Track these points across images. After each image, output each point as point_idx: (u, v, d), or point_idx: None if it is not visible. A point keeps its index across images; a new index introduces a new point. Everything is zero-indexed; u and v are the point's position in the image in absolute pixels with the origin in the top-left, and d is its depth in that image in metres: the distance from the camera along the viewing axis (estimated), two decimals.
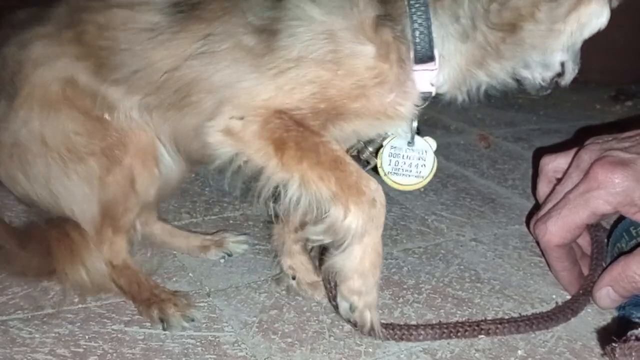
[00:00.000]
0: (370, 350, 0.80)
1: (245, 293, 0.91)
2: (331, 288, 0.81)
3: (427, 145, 0.80)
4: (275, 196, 0.75)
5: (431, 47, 0.71)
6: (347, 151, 0.80)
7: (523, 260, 1.05)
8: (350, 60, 0.70)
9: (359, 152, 0.81)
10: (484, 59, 0.73)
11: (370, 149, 0.81)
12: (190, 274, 0.95)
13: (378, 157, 0.80)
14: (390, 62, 0.71)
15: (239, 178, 0.75)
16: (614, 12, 0.77)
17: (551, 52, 0.75)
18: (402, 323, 0.84)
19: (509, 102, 1.89)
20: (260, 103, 0.70)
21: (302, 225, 0.82)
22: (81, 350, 0.77)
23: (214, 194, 1.22)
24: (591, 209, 0.85)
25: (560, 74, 0.78)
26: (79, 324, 0.82)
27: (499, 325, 0.83)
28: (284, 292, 0.91)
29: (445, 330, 0.82)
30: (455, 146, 1.57)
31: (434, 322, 0.86)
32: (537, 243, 0.93)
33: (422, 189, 1.30)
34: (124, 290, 0.86)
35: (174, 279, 0.94)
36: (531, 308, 0.92)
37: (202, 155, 0.81)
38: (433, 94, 0.75)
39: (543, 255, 0.96)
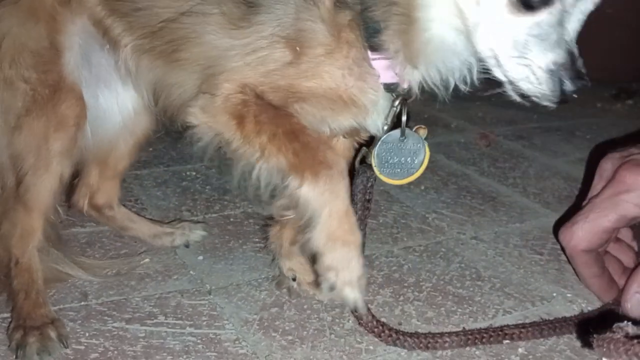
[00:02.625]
0: (371, 347, 0.80)
1: (246, 291, 0.91)
2: None
3: (418, 138, 0.79)
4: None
5: (380, 36, 0.70)
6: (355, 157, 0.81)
7: (524, 259, 1.05)
8: (306, 36, 0.71)
9: (364, 157, 0.80)
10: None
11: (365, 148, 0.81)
12: (192, 272, 0.96)
13: (372, 154, 0.79)
14: (341, 42, 0.71)
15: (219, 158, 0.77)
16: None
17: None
18: (426, 332, 0.83)
19: (510, 100, 1.89)
20: (226, 76, 0.72)
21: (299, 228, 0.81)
22: (82, 347, 0.77)
23: (215, 192, 1.22)
24: (620, 212, 0.84)
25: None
26: (80, 321, 0.82)
27: (522, 330, 0.83)
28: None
29: (470, 337, 0.81)
30: (455, 144, 1.57)
31: (457, 329, 0.85)
32: (563, 250, 0.91)
33: (423, 188, 1.30)
34: (7, 291, 0.81)
35: (175, 277, 0.94)
36: (532, 306, 0.92)
37: (178, 113, 0.83)
38: (404, 86, 0.73)
39: (569, 261, 0.93)
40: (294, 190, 0.71)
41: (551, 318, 0.88)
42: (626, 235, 0.95)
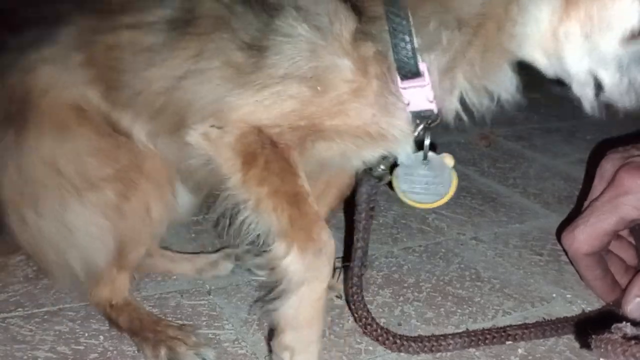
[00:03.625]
0: (371, 348, 0.80)
1: (245, 291, 0.91)
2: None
3: (442, 162, 0.76)
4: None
5: (415, 61, 0.67)
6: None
7: (523, 259, 1.05)
8: (328, 74, 0.67)
9: (371, 168, 0.78)
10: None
11: (383, 166, 0.77)
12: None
13: (393, 175, 0.77)
14: (369, 76, 0.68)
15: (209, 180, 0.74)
16: None
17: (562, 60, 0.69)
18: (429, 334, 0.82)
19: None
20: (240, 116, 0.68)
21: None
22: (82, 347, 0.77)
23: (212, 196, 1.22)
24: (620, 215, 0.85)
25: (599, 87, 0.70)
26: (79, 321, 0.82)
27: (525, 330, 0.83)
28: None
29: (473, 338, 0.81)
30: (455, 145, 1.56)
31: (457, 329, 0.85)
32: (565, 252, 0.92)
33: None
34: (121, 328, 0.81)
35: (174, 277, 0.94)
36: (531, 307, 0.92)
37: (208, 183, 0.78)
38: (435, 111, 0.70)
39: (570, 263, 0.94)
40: (276, 257, 0.68)
41: (552, 318, 0.88)
42: (627, 233, 0.95)
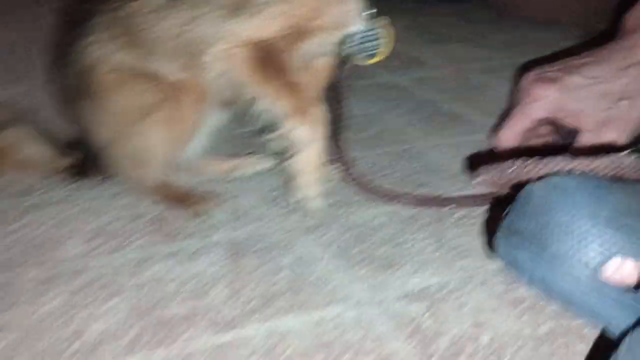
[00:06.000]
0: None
1: (264, 181, 1.22)
2: None
3: (382, 24, 1.06)
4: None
5: None
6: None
7: None
8: None
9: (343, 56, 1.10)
10: None
11: (347, 46, 1.09)
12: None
13: (349, 46, 1.08)
14: None
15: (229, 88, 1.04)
16: None
17: None
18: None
19: (487, 41, 2.15)
20: (244, 37, 0.98)
21: None
22: (140, 211, 1.08)
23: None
24: (531, 117, 1.11)
25: None
26: (136, 195, 1.13)
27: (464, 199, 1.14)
28: None
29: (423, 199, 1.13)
30: (430, 79, 1.84)
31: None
32: None
33: (400, 111, 1.58)
34: (160, 199, 1.12)
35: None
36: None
37: (230, 91, 1.06)
38: None
39: None
40: (289, 129, 1.02)
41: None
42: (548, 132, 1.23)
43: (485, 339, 0.82)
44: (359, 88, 1.71)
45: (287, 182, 1.11)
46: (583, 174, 0.77)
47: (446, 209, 1.12)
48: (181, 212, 1.09)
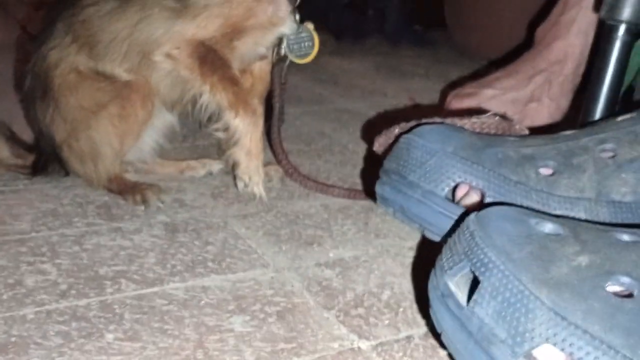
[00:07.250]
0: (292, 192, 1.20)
1: (209, 182, 1.32)
2: None
3: (309, 28, 1.20)
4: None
5: None
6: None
7: None
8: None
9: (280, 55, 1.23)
10: None
11: (282, 46, 1.22)
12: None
13: (284, 47, 1.21)
14: None
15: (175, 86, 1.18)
16: None
17: None
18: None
19: (444, 77, 2.30)
20: (187, 38, 1.11)
21: None
22: (90, 199, 1.18)
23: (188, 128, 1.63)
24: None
25: None
26: (90, 189, 1.23)
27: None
28: None
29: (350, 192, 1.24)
30: (385, 106, 1.97)
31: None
32: None
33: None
34: (114, 191, 1.21)
35: (158, 175, 1.34)
36: None
37: (175, 90, 1.19)
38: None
39: None
40: (229, 119, 1.14)
41: None
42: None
43: (385, 295, 0.90)
44: (316, 111, 1.85)
45: (230, 174, 1.21)
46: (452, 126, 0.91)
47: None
48: (130, 201, 1.18)
